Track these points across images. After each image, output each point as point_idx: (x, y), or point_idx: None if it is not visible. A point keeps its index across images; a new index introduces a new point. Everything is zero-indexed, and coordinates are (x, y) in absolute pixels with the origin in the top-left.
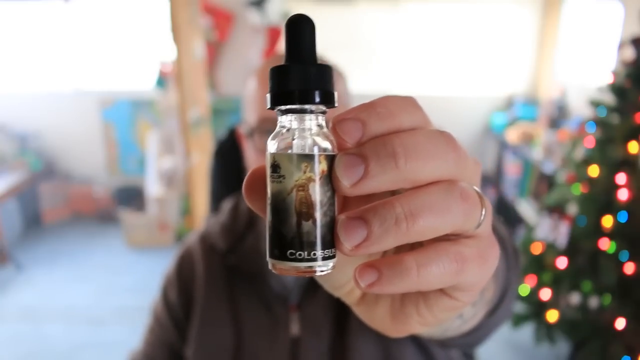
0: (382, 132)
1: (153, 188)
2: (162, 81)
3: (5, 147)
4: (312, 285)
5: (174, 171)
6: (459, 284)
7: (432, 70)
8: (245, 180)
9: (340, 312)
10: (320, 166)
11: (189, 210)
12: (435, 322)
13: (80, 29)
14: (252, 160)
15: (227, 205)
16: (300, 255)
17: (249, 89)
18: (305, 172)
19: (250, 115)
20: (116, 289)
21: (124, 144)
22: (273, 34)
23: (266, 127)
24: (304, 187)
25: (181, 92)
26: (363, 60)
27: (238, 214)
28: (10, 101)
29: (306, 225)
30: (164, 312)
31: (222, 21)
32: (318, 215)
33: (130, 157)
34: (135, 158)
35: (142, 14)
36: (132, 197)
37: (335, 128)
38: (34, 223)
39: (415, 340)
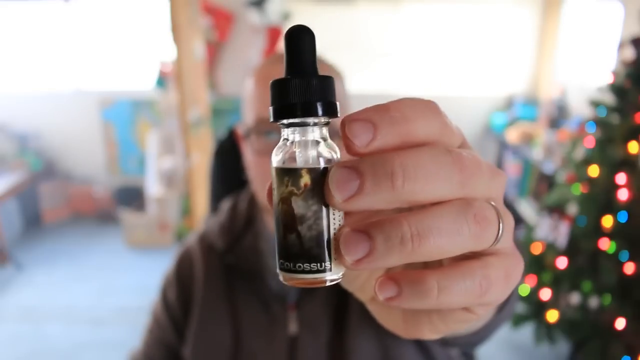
0: (393, 138)
1: (153, 188)
2: (162, 81)
3: (5, 147)
4: None
5: (174, 171)
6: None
7: (432, 70)
8: (267, 191)
9: (338, 311)
10: (302, 180)
11: (189, 210)
12: (447, 332)
13: (80, 29)
14: (249, 161)
15: (225, 205)
16: (287, 265)
17: (246, 89)
18: (287, 186)
19: (247, 116)
20: (116, 289)
21: (124, 144)
22: (273, 34)
23: (263, 128)
24: (286, 200)
25: (181, 92)
26: (363, 60)
27: (236, 214)
28: (10, 101)
29: (290, 237)
30: (163, 313)
31: (222, 21)
32: (301, 228)
33: (130, 157)
34: (135, 158)
35: (142, 14)
36: (132, 197)
37: (345, 129)
38: (34, 223)
39: (416, 339)
